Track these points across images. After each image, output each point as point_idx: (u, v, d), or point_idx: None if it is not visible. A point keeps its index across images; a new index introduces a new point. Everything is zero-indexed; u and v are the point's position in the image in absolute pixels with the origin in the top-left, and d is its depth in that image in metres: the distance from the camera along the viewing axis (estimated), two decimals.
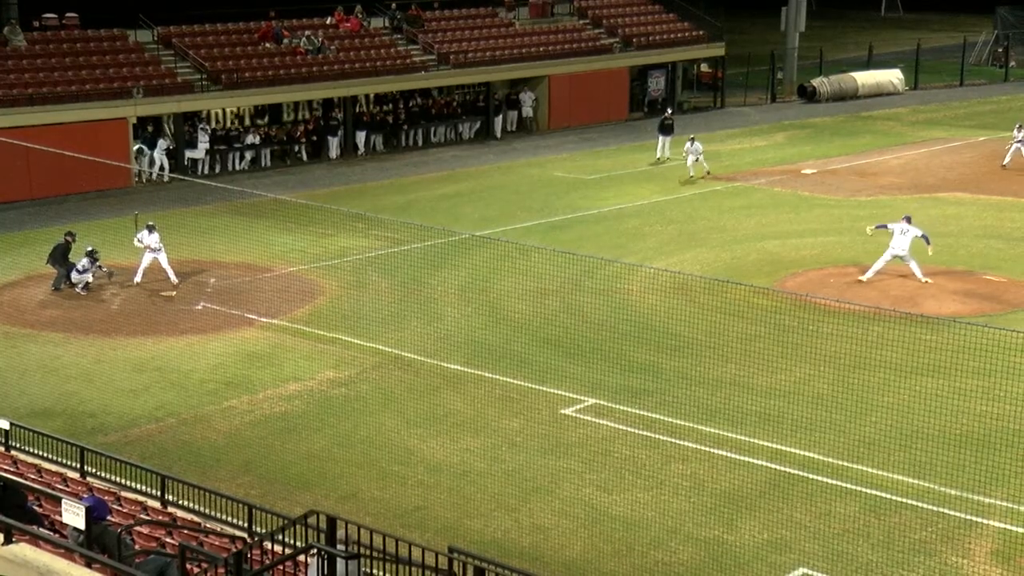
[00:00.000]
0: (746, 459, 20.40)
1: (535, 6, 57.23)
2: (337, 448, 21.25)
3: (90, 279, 29.87)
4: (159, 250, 30.19)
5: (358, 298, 29.72)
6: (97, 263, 29.82)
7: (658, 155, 46.54)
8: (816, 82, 61.93)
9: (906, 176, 43.14)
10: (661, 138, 46.69)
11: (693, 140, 43.17)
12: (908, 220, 30.11)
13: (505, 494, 19.36)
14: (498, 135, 52.62)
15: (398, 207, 38.35)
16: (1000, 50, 71.64)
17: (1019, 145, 43.53)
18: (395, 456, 20.81)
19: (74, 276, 29.77)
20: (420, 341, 26.26)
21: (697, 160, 42.64)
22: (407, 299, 29.18)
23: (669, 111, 50.12)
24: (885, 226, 30.41)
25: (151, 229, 30.25)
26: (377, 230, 34.57)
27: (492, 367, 24.66)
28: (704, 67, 62.80)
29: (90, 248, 29.96)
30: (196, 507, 16.81)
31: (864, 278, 29.84)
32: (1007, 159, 43.71)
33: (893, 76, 64.21)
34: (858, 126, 54.66)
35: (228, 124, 47.16)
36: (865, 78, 63.38)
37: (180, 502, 16.93)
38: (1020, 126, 44.26)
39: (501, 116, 53.25)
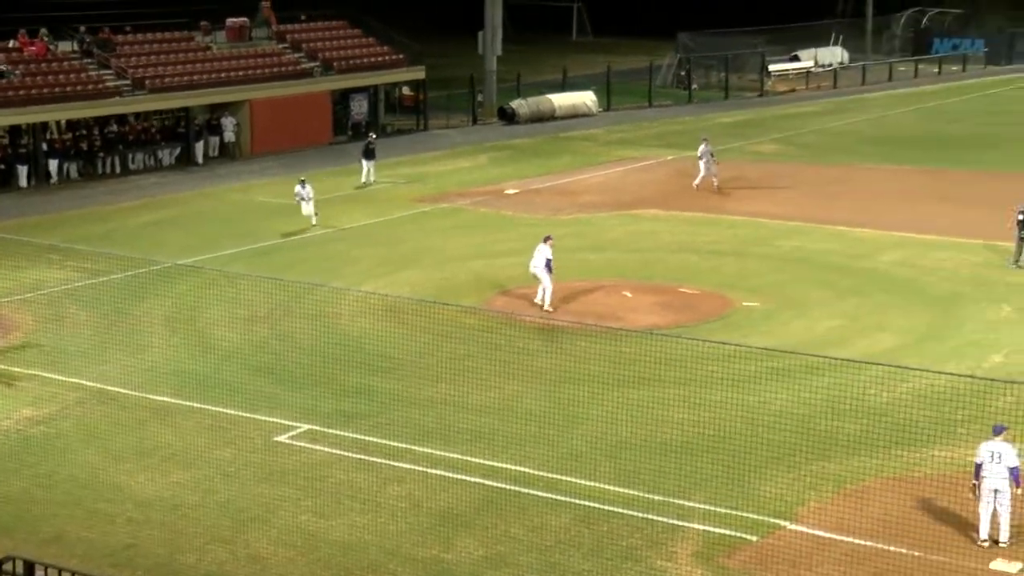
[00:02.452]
0: (461, 477, 20.65)
1: (232, 30, 56.42)
2: (38, 489, 20.29)
3: None
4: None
5: (56, 332, 28.47)
6: None
7: (363, 179, 46.61)
8: (515, 104, 63.46)
9: (604, 194, 44.71)
10: (365, 162, 46.80)
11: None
12: (545, 239, 30.18)
13: (219, 526, 18.95)
14: (200, 161, 51.54)
15: (97, 237, 37.02)
16: (683, 73, 75.26)
17: (705, 161, 44.75)
18: (101, 494, 20.05)
19: None
20: (125, 374, 25.39)
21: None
22: (109, 331, 28.16)
23: (372, 135, 50.34)
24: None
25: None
26: (74, 261, 33.23)
27: (201, 397, 24.11)
28: (406, 90, 63.39)
29: None
30: None
31: (538, 300, 29.89)
32: (711, 178, 44.73)
33: (587, 98, 66.48)
34: (557, 146, 56.32)
35: None
36: (561, 100, 65.40)
37: None
38: (706, 138, 46.22)
39: (202, 142, 52.19)
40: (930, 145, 55.48)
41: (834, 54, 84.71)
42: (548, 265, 29.77)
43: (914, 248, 35.82)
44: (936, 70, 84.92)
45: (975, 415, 21.53)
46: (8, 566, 13.58)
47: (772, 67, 79.27)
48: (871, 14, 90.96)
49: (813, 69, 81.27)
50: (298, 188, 39.17)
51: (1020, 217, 33.35)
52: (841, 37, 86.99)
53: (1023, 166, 48.94)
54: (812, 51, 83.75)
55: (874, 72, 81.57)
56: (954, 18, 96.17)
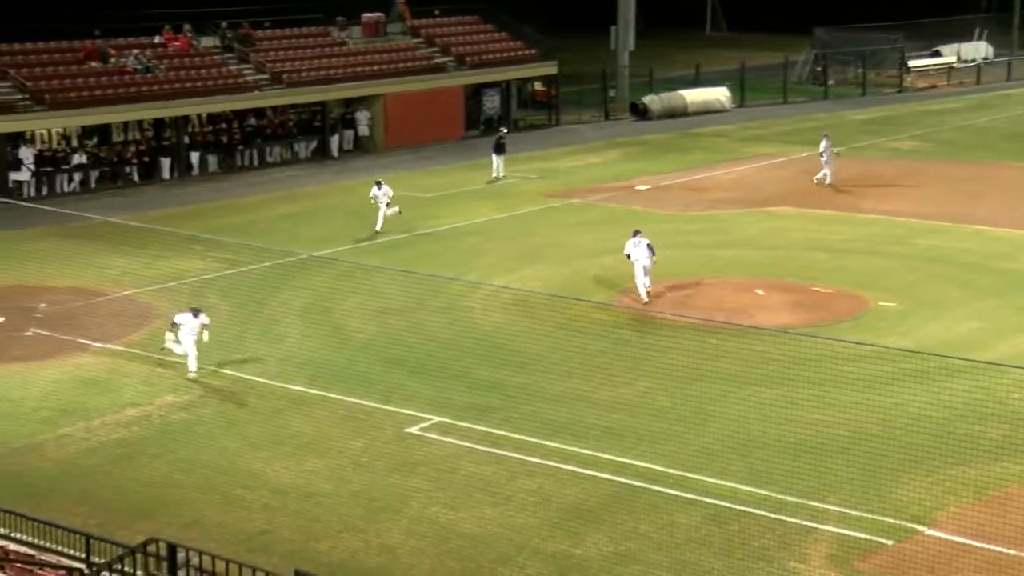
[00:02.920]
0: (591, 472, 20.65)
1: (368, 25, 57.13)
2: (179, 474, 20.83)
3: None
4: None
5: None
6: None
7: (493, 174, 46.84)
8: (647, 100, 63.12)
9: (736, 191, 44.27)
10: (495, 157, 47.02)
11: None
12: (637, 233, 30.40)
13: (352, 515, 19.24)
14: (335, 154, 52.30)
15: (235, 228, 37.81)
16: (819, 69, 74.06)
17: (827, 159, 44.27)
18: (239, 480, 20.50)
19: None
20: (262, 363, 25.95)
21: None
22: (247, 321, 28.78)
23: (503, 130, 50.53)
24: (628, 255, 30.24)
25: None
26: (214, 252, 34.02)
27: (336, 387, 24.50)
28: (538, 85, 63.47)
29: None
30: (30, 539, 16.28)
31: (645, 298, 29.73)
32: (826, 176, 44.47)
33: (720, 94, 65.84)
34: (689, 142, 55.92)
35: (55, 145, 45.85)
36: (694, 96, 64.85)
37: (12, 535, 16.38)
38: (827, 134, 45.50)
39: (337, 135, 52.96)
40: None
41: (977, 49, 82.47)
42: (651, 248, 30.03)
43: None
44: None
45: None
46: (152, 548, 13.96)
47: (911, 63, 77.54)
48: (1018, 7, 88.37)
49: (955, 65, 79.31)
50: (374, 190, 37.64)
51: None
52: (985, 32, 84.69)
53: None
54: (954, 46, 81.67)
55: (1020, 67, 79.23)
56: None
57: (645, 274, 30.00)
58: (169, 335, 25.43)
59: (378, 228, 37.19)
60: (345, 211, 41.58)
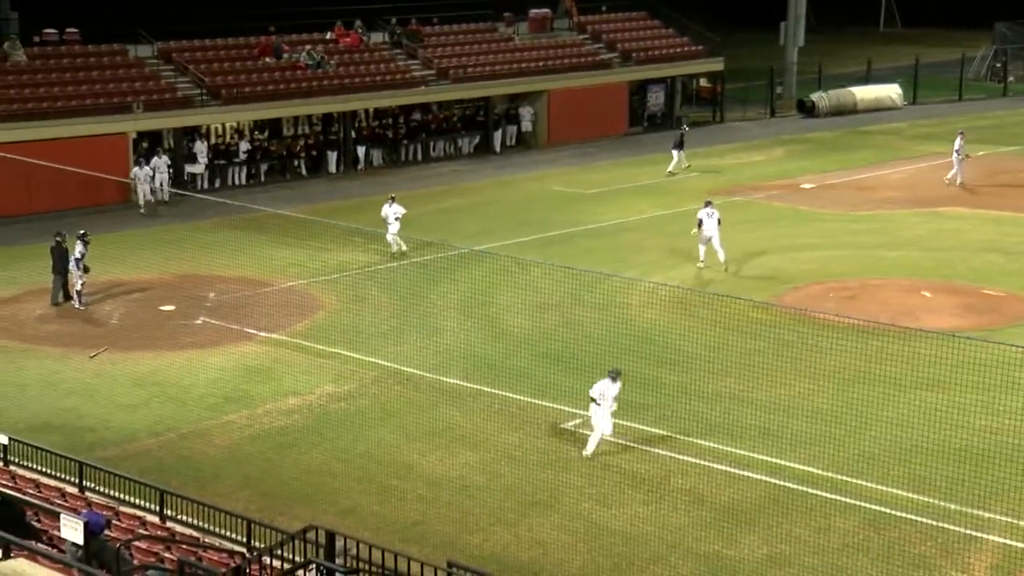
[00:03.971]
0: (745, 473, 20.39)
1: (535, 21, 57.35)
2: (336, 463, 21.23)
3: (79, 284, 29.67)
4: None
5: (357, 312, 29.72)
6: (87, 243, 29.67)
7: (671, 168, 46.69)
8: (815, 97, 61.97)
9: (904, 190, 43.16)
10: (675, 152, 46.82)
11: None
12: (708, 204, 33.48)
13: (504, 508, 19.34)
14: (497, 150, 52.67)
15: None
16: (999, 65, 71.67)
17: (960, 157, 43.05)
18: (394, 471, 20.80)
19: (72, 268, 29.61)
20: (419, 355, 26.27)
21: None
22: (406, 313, 29.19)
23: (685, 126, 50.22)
24: (700, 222, 33.05)
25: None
26: (376, 245, 34.57)
27: (491, 382, 24.66)
28: (703, 82, 62.85)
29: (82, 231, 29.90)
30: (195, 522, 16.80)
31: (701, 265, 33.00)
32: (957, 175, 43.29)
33: (892, 91, 64.27)
34: (857, 141, 54.69)
35: (228, 139, 47.19)
36: (864, 93, 63.43)
37: (179, 517, 16.93)
38: (962, 132, 44.11)
39: (500, 131, 53.31)
40: None
41: None
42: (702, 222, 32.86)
43: None
44: None
45: None
46: (311, 535, 14.24)
47: None
48: None
49: None
50: (384, 208, 34.92)
51: None
52: None
53: None
54: None
55: None
56: None
57: (719, 246, 32.60)
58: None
59: (394, 250, 34.24)
60: (506, 206, 41.84)
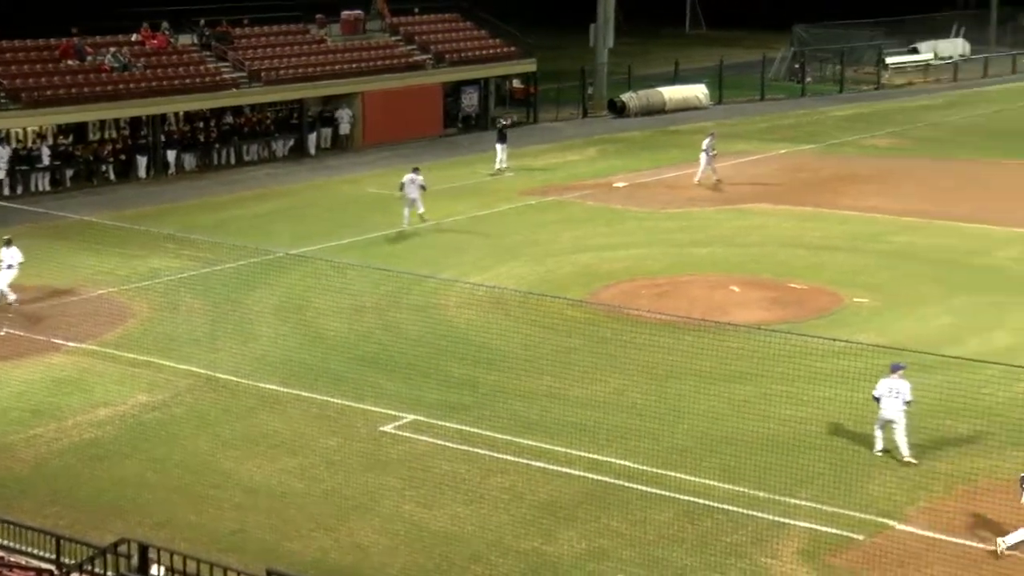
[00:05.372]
0: (564, 470, 20.65)
1: (347, 23, 57.00)
2: (150, 474, 20.76)
3: None
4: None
5: (171, 320, 29.11)
6: None
7: (497, 166, 46.99)
8: (625, 97, 63.16)
9: (712, 188, 44.26)
10: (499, 146, 47.15)
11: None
12: (415, 170, 37.88)
13: (324, 514, 19.20)
14: (312, 152, 52.19)
15: (211, 226, 37.68)
16: (797, 66, 74.21)
17: (708, 156, 43.93)
18: (210, 480, 20.44)
19: None
20: (235, 362, 25.86)
21: None
22: (221, 320, 28.70)
23: (503, 121, 50.59)
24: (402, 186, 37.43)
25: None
26: (189, 250, 33.88)
27: (309, 386, 24.44)
28: (516, 83, 63.45)
29: None
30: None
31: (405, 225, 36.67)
32: (711, 175, 44.15)
33: (698, 91, 65.92)
34: (666, 140, 55.94)
35: (30, 143, 45.62)
36: (672, 93, 64.93)
37: None
38: (712, 133, 45.35)
39: (315, 133, 52.86)
40: None
41: (955, 46, 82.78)
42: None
43: None
44: None
45: None
46: (123, 548, 13.91)
47: (889, 60, 77.75)
48: (995, 4, 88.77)
49: (932, 62, 79.58)
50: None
51: None
52: (963, 29, 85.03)
53: None
54: (932, 43, 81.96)
55: (997, 64, 79.61)
56: None
57: (420, 206, 37.14)
58: None
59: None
60: (323, 209, 41.52)
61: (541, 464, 20.86)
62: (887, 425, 20.63)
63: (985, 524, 18.28)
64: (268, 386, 24.58)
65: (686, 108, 64.06)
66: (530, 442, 21.64)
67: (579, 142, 55.50)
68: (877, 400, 20.59)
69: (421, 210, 38.15)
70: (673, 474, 20.31)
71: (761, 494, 19.35)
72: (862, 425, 21.47)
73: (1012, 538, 17.58)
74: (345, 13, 57.33)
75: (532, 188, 44.69)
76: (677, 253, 35.07)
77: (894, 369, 20.61)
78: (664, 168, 48.51)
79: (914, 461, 20.36)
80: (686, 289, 31.29)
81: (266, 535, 18.50)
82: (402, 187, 37.98)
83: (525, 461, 20.98)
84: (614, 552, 17.94)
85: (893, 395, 20.38)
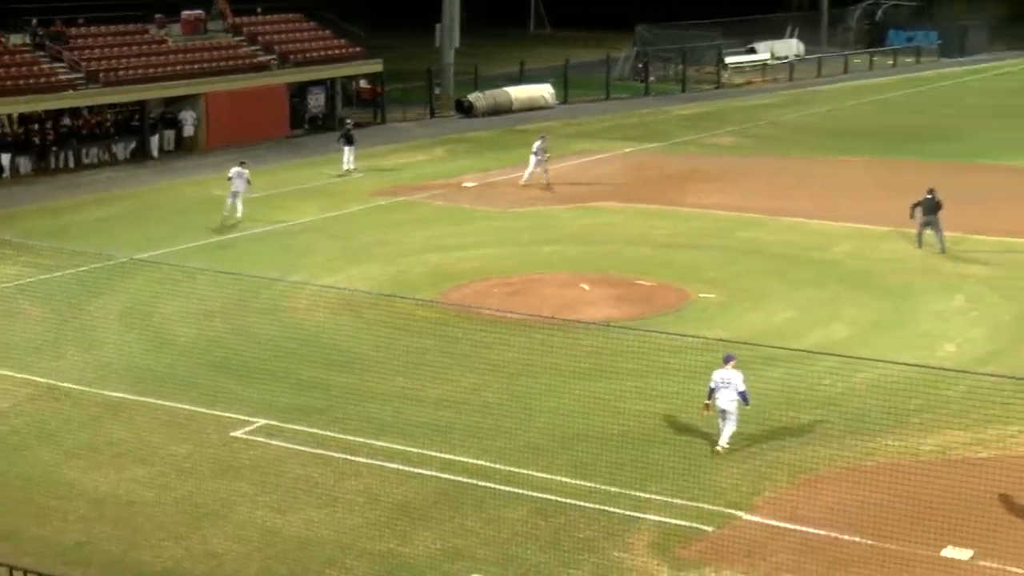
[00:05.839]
0: (418, 471, 20.65)
1: (187, 23, 56.02)
2: None
3: None
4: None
5: (8, 328, 28.24)
6: None
7: (344, 167, 46.66)
8: (472, 97, 63.39)
9: (560, 187, 44.68)
10: (346, 149, 46.78)
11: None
12: (242, 163, 39.35)
13: (175, 522, 18.87)
14: (155, 155, 51.16)
15: (50, 232, 36.68)
16: (640, 66, 75.42)
17: (539, 159, 44.12)
18: (54, 491, 19.91)
19: None
20: (78, 370, 25.24)
21: None
22: (63, 327, 27.97)
23: (349, 121, 50.18)
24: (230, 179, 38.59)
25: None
26: (27, 256, 32.94)
27: (157, 393, 23.98)
28: (363, 83, 63.17)
29: None
30: None
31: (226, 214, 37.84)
32: (543, 176, 44.20)
33: (544, 91, 66.49)
34: (513, 139, 56.20)
35: None
36: (518, 93, 65.37)
37: None
38: (543, 135, 45.93)
39: (158, 135, 51.83)
40: (884, 137, 55.81)
41: (790, 47, 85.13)
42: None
43: (867, 239, 36.09)
44: (891, 62, 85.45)
45: (928, 404, 21.86)
46: None
47: (728, 60, 79.53)
48: (827, 7, 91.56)
49: (769, 61, 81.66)
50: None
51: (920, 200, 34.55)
52: (797, 30, 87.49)
53: (975, 158, 49.44)
54: (768, 44, 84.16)
55: (829, 64, 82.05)
56: (908, 11, 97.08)
57: (240, 201, 38.49)
58: None
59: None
60: (167, 212, 40.78)
61: (395, 465, 20.83)
62: (722, 415, 21.02)
63: (827, 511, 18.84)
64: (114, 394, 24.04)
65: (533, 108, 64.56)
66: (384, 443, 21.59)
67: (427, 142, 55.51)
68: (712, 391, 20.94)
69: (240, 211, 38.38)
70: (526, 472, 20.46)
71: (613, 489, 19.62)
72: (710, 419, 21.89)
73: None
74: (185, 13, 56.36)
75: (381, 189, 44.56)
76: (527, 252, 35.33)
77: (726, 360, 21.02)
78: (512, 168, 48.67)
79: (721, 451, 20.78)
80: (536, 288, 31.54)
81: (113, 546, 18.10)
82: (229, 179, 38.56)
83: (379, 463, 20.92)
84: (469, 551, 18.01)
85: (725, 384, 20.79)
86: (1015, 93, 71.27)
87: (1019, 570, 16.97)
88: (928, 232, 34.59)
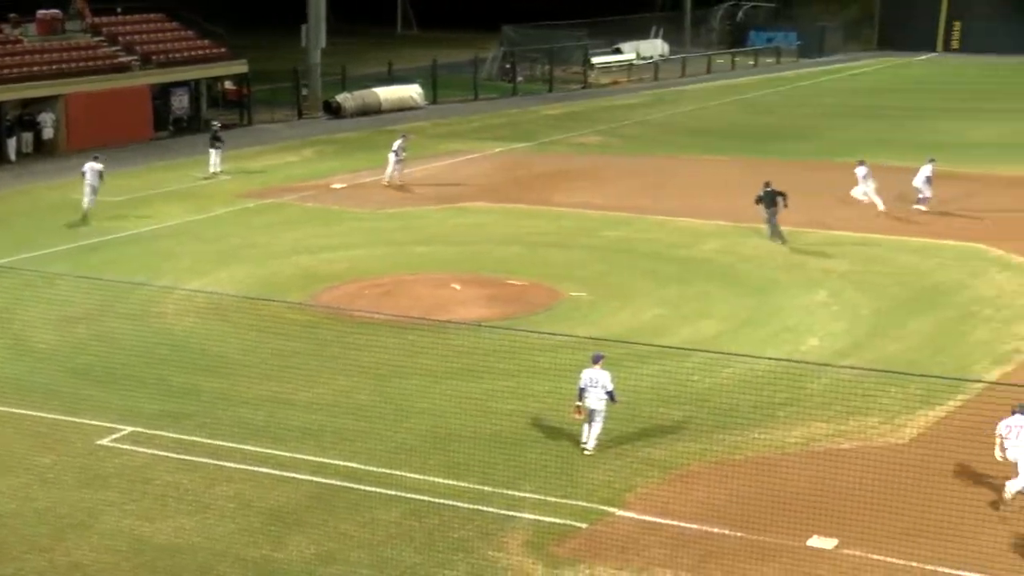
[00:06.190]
0: (291, 475, 20.46)
1: (43, 22, 54.61)
2: None
3: None
4: None
5: None
6: None
7: (211, 169, 45.95)
8: (340, 98, 63.02)
9: (431, 188, 44.70)
10: (212, 151, 46.06)
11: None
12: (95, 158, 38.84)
13: (38, 534, 18.40)
14: (13, 158, 49.77)
15: None
16: (508, 66, 75.78)
17: (398, 158, 44.17)
18: None
19: None
20: None
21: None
22: None
23: (216, 123, 49.37)
24: None
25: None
26: None
27: (18, 402, 23.34)
28: (228, 84, 62.32)
29: None
30: None
31: None
32: (396, 176, 44.37)
33: (413, 91, 66.41)
34: (383, 140, 55.61)
35: None
36: (387, 93, 65.17)
37: None
38: (404, 135, 46.13)
39: (15, 138, 50.44)
40: (747, 136, 56.92)
41: (655, 47, 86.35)
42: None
43: (733, 236, 36.76)
44: (752, 63, 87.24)
45: (793, 398, 22.36)
46: None
47: (595, 60, 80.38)
48: (689, 8, 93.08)
49: (635, 62, 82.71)
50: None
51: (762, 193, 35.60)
52: (661, 30, 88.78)
53: (833, 156, 50.66)
54: (634, 44, 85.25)
55: (693, 64, 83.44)
56: (768, 12, 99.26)
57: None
58: None
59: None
60: (27, 216, 39.75)
61: (267, 470, 20.60)
62: (591, 414, 20.98)
63: (698, 505, 19.16)
64: None
65: (402, 108, 64.43)
66: (256, 448, 21.34)
67: (296, 143, 55.03)
68: (582, 391, 20.95)
69: (87, 203, 38.35)
70: (400, 473, 20.41)
71: (487, 489, 19.68)
72: (582, 416, 22.08)
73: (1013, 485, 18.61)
74: (41, 12, 55.03)
75: (249, 191, 44.03)
76: (398, 253, 35.24)
77: (595, 360, 21.06)
78: (381, 168, 48.28)
79: (588, 452, 20.80)
80: (408, 288, 31.48)
81: None
82: (83, 174, 38.27)
83: (251, 468, 20.67)
84: (342, 554, 17.90)
85: (593, 384, 20.82)
86: (868, 93, 73.39)
87: (880, 557, 17.45)
88: (772, 224, 35.63)
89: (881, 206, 38.63)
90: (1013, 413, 19.21)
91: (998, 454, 19.08)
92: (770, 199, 35.51)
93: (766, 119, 63.10)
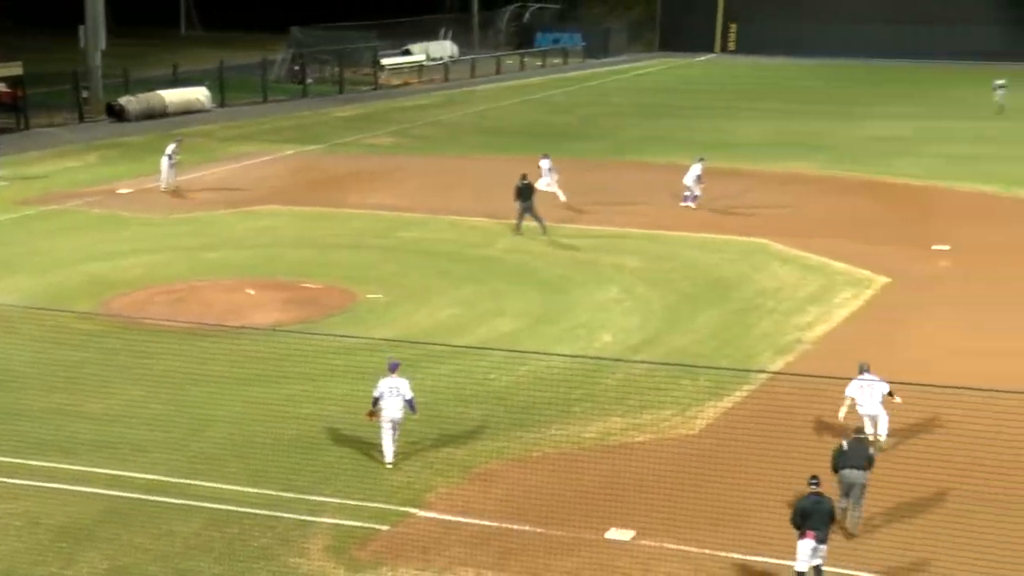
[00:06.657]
0: (82, 489, 19.86)
1: None
2: None
3: None
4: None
5: None
6: None
7: None
8: (124, 100, 61.37)
9: (221, 191, 43.97)
10: None
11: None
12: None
13: None
14: None
15: None
16: (297, 68, 75.05)
17: (172, 161, 43.47)
18: None
19: None
20: None
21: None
22: None
23: None
24: None
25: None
26: None
27: None
28: (2, 87, 59.92)
29: None
30: None
31: None
32: (167, 181, 43.42)
33: (200, 93, 65.14)
34: (169, 143, 54.75)
35: None
36: (172, 96, 63.77)
37: None
38: (178, 139, 45.54)
39: None
40: (537, 135, 57.55)
41: (444, 48, 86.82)
42: None
43: (524, 235, 37.21)
44: (540, 63, 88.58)
45: (588, 394, 22.86)
46: None
47: (384, 61, 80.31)
48: (477, 9, 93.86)
49: (425, 63, 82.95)
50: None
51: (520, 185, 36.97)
52: (450, 32, 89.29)
53: (617, 155, 51.92)
54: (423, 45, 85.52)
55: (483, 65, 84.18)
56: (554, 13, 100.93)
57: None
58: None
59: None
60: None
61: (57, 485, 19.94)
62: (392, 424, 20.57)
63: (498, 503, 19.38)
64: None
65: (189, 111, 63.16)
66: (44, 463, 20.64)
67: (78, 147, 53.38)
68: (378, 400, 20.57)
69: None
70: (198, 483, 20.04)
71: (288, 494, 19.49)
72: (380, 419, 22.08)
73: None
74: None
75: (29, 197, 42.50)
76: (189, 258, 34.56)
77: (392, 368, 20.72)
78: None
79: (390, 466, 20.49)
80: (201, 294, 30.89)
81: None
82: None
83: (39, 484, 19.97)
84: (138, 568, 17.48)
85: (394, 394, 20.42)
86: (653, 92, 75.44)
87: (674, 546, 17.95)
88: (528, 217, 36.68)
89: (563, 197, 40.16)
90: (861, 372, 20.61)
91: (842, 414, 20.49)
92: (526, 192, 36.57)
93: (555, 118, 64.12)
